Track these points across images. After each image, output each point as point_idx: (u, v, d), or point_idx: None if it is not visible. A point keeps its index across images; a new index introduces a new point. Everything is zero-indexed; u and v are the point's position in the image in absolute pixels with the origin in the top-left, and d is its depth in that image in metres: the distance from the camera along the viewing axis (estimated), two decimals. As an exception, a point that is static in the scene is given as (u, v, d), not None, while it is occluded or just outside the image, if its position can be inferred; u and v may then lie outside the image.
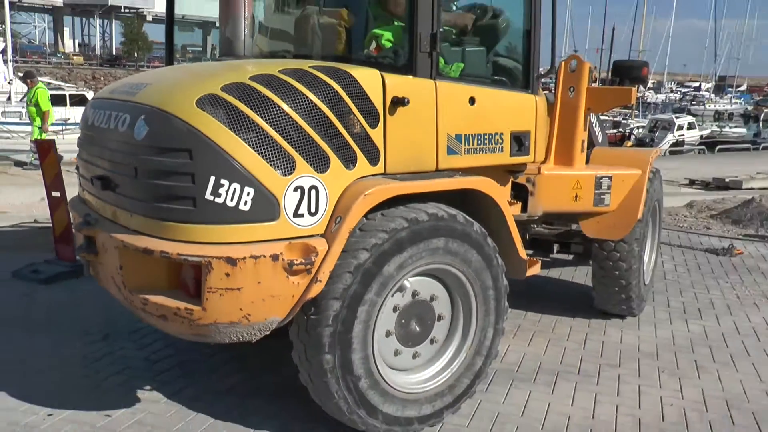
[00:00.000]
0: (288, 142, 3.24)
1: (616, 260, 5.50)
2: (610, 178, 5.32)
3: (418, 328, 3.86)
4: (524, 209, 5.06)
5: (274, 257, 3.21)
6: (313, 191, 3.33)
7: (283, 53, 4.39)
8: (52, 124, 16.29)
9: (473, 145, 4.06)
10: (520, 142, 4.37)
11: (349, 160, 3.46)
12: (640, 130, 40.23)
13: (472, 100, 4.01)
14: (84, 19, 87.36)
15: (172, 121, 3.19)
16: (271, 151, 3.20)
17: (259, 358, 4.70)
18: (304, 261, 3.25)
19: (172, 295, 3.34)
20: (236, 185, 3.15)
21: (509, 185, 4.76)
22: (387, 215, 3.52)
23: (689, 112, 56.07)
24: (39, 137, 13.34)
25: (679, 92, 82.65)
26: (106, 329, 5.20)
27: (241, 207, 3.17)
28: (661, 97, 70.62)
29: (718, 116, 64.62)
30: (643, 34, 60.65)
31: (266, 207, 3.22)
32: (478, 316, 4.00)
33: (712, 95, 79.86)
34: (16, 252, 7.16)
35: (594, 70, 5.47)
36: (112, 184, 3.52)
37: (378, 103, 3.56)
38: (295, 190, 3.27)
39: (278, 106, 3.25)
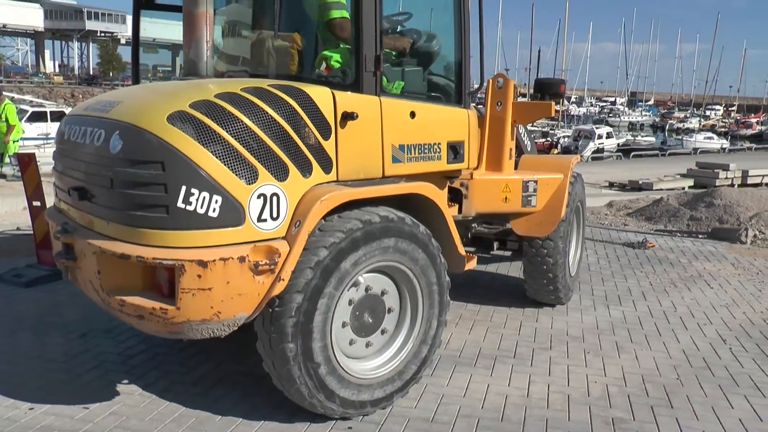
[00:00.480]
0: (251, 154, 3.22)
1: (543, 256, 5.55)
2: (536, 182, 5.37)
3: (370, 320, 3.85)
4: (460, 211, 5.11)
5: (241, 259, 3.18)
6: (275, 198, 3.31)
7: (241, 73, 4.35)
8: (26, 138, 15.83)
9: (415, 154, 4.08)
10: (455, 150, 4.40)
11: (305, 169, 3.44)
12: (566, 139, 40.96)
13: (412, 114, 4.03)
14: (63, 42, 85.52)
15: (145, 135, 3.13)
16: (236, 162, 3.18)
17: (225, 350, 4.63)
18: (268, 262, 3.23)
19: (148, 296, 3.28)
20: (205, 194, 3.11)
21: (446, 189, 4.78)
22: (344, 217, 3.52)
23: (607, 123, 57.38)
24: (16, 151, 12.95)
25: (598, 106, 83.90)
26: (84, 328, 5.06)
27: (210, 214, 3.14)
28: (582, 110, 71.77)
29: (632, 127, 66.39)
30: (565, 55, 61.77)
31: (233, 213, 3.18)
32: (423, 309, 4.01)
33: (626, 108, 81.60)
34: (0, 257, 6.95)
35: (519, 87, 5.53)
36: (89, 194, 3.43)
37: (330, 117, 3.55)
38: (259, 197, 3.25)
39: (241, 121, 3.22)
